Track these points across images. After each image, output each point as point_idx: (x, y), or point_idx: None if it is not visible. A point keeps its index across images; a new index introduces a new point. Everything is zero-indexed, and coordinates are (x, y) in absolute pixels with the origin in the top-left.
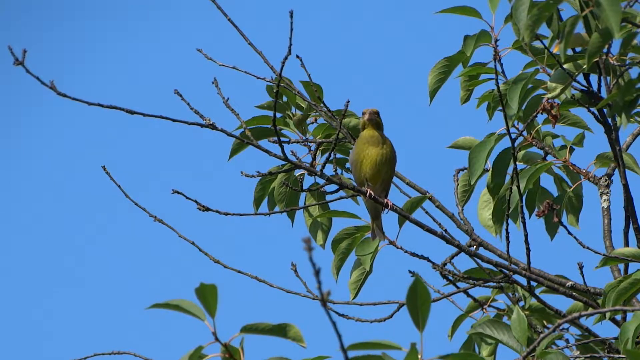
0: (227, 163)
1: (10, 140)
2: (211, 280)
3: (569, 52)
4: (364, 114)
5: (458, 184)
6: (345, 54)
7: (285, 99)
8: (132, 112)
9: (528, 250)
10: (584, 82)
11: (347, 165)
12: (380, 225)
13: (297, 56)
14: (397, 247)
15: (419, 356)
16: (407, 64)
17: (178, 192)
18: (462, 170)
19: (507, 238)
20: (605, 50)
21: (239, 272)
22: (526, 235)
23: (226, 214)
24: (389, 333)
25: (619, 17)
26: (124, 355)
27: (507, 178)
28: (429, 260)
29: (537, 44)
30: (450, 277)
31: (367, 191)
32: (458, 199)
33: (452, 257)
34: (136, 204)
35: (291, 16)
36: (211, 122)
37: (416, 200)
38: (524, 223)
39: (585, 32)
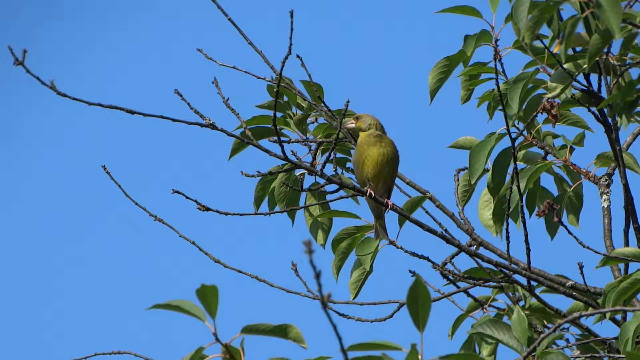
0: (227, 163)
1: (11, 140)
2: (211, 280)
3: (569, 51)
4: (357, 118)
5: (458, 184)
6: (346, 54)
7: (285, 98)
8: (132, 112)
9: (528, 250)
10: (584, 82)
11: (348, 164)
12: (384, 225)
13: (298, 56)
14: (397, 247)
15: (420, 356)
16: (407, 64)
17: (178, 192)
18: (463, 170)
19: (507, 238)
20: (605, 50)
21: (239, 272)
22: (526, 235)
23: (226, 214)
24: (389, 332)
25: (620, 18)
26: (124, 355)
27: (508, 178)
28: (429, 260)
29: (537, 43)
30: (450, 277)
31: (367, 191)
32: (458, 198)
33: (453, 257)
34: (136, 204)
35: (291, 16)
36: (211, 122)
37: (416, 200)
38: (524, 223)
39: (586, 32)
